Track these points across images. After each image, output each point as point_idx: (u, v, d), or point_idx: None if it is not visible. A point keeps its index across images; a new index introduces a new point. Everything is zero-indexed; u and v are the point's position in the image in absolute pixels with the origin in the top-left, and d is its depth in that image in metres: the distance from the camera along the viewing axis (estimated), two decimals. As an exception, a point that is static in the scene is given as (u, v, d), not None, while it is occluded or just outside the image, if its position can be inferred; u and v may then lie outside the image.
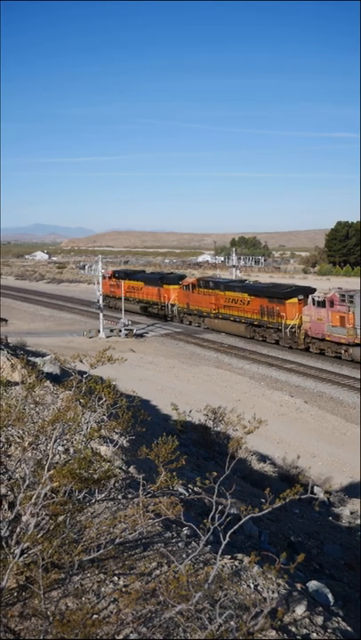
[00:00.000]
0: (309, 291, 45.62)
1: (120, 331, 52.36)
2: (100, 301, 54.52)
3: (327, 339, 41.79)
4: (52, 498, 5.65)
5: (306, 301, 43.60)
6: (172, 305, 58.68)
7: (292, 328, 44.95)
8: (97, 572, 5.69)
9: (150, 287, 62.11)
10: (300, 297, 44.84)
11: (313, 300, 43.11)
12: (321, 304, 42.11)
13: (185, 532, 7.06)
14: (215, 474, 5.88)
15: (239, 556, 6.77)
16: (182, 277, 62.77)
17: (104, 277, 64.53)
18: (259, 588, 5.86)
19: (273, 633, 4.94)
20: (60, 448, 9.17)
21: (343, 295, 40.96)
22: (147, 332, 54.75)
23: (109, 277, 67.91)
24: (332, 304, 41.27)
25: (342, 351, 41.00)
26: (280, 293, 46.83)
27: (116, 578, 5.63)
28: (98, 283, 55.91)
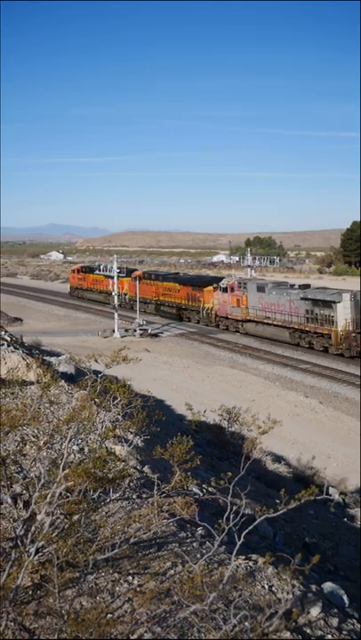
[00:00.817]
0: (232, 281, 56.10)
1: (135, 330, 52.43)
2: (116, 301, 54.66)
3: (229, 317, 53.50)
4: (67, 497, 5.66)
5: (234, 289, 53.65)
6: (125, 294, 65.48)
7: (207, 310, 56.23)
8: (111, 572, 5.69)
9: (109, 280, 66.22)
10: (215, 285, 55.93)
11: (220, 287, 54.52)
12: (225, 290, 53.65)
13: (199, 532, 7.06)
14: (230, 474, 5.87)
15: (254, 556, 6.75)
16: (133, 271, 71.61)
17: (73, 271, 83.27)
18: (273, 588, 5.85)
19: (288, 634, 4.93)
20: (75, 447, 9.19)
21: (240, 283, 53.46)
22: (161, 332, 54.77)
23: (77, 272, 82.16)
24: (232, 289, 52.86)
25: (239, 326, 52.61)
26: (200, 282, 60.07)
27: (130, 577, 5.63)
28: (113, 283, 56.12)
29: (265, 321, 48.99)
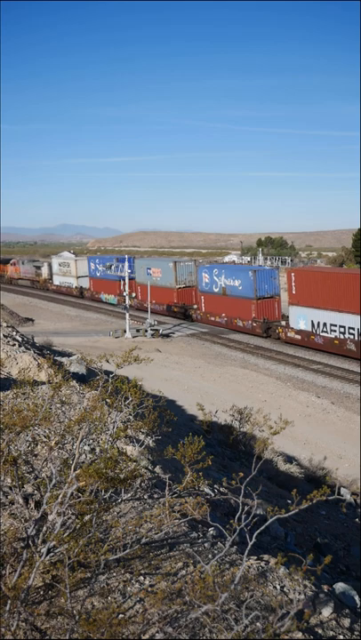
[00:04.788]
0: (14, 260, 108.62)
1: (146, 331, 52.47)
2: (127, 301, 54.75)
3: (14, 278, 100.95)
4: (79, 497, 5.67)
5: (15, 264, 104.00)
6: None
7: (6, 275, 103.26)
8: (123, 572, 5.70)
9: None
10: (13, 262, 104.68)
11: (11, 263, 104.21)
12: (13, 264, 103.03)
13: (211, 532, 7.05)
14: (241, 474, 5.87)
15: (265, 557, 6.74)
16: None
17: None
18: (285, 589, 5.83)
19: (299, 635, 4.92)
20: (87, 447, 9.21)
21: (17, 261, 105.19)
22: (173, 332, 54.78)
23: None
24: (15, 264, 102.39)
25: (17, 282, 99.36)
26: (5, 261, 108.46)
27: (141, 577, 5.63)
28: (125, 283, 56.27)
29: (23, 277, 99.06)
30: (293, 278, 46.92)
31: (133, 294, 66.47)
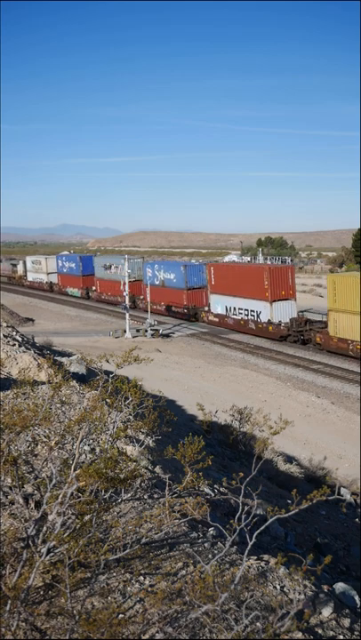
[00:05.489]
0: None
1: (146, 331, 52.45)
2: (127, 301, 54.75)
3: None
4: (79, 497, 5.66)
5: None
6: None
7: None
8: (123, 572, 5.69)
9: None
10: None
11: None
12: None
13: (211, 532, 7.04)
14: (241, 474, 5.86)
15: (265, 557, 6.74)
16: None
17: None
18: (285, 589, 5.83)
19: (299, 635, 4.91)
20: (87, 447, 9.21)
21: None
22: (173, 332, 54.78)
23: None
24: None
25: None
26: None
27: (142, 577, 5.63)
28: (124, 284, 56.30)
29: (1, 274, 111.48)
30: (212, 271, 57.79)
31: (93, 287, 79.09)
